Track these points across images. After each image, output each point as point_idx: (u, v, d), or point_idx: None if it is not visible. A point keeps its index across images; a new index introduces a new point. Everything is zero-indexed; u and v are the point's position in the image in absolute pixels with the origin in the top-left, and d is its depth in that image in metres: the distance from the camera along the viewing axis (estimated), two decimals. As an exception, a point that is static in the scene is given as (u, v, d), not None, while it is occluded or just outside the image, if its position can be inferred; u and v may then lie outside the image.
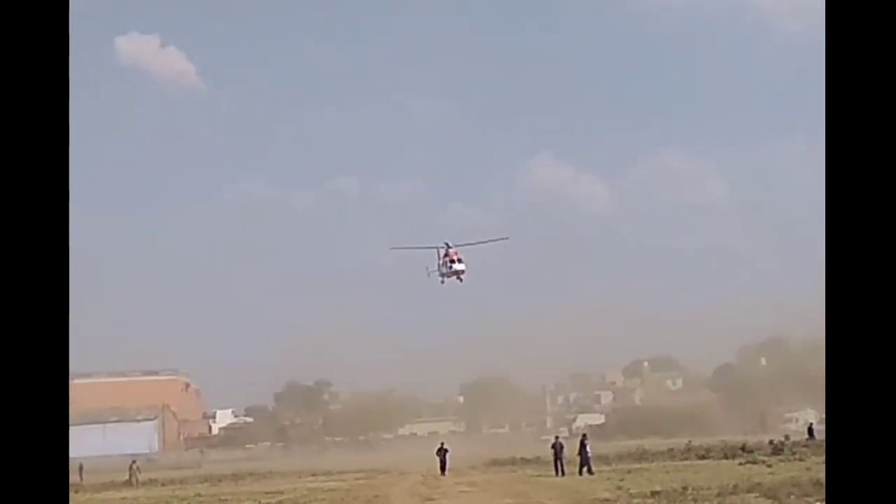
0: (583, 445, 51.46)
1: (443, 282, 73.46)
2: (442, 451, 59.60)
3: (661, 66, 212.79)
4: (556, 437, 56.79)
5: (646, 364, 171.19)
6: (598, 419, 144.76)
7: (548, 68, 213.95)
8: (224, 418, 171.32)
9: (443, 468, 58.64)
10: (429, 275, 74.25)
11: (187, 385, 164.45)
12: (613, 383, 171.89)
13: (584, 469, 50.52)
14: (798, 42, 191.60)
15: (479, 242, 76.47)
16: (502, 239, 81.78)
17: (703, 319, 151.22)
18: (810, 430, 74.55)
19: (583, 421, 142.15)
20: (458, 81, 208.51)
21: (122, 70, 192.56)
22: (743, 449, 64.17)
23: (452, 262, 72.56)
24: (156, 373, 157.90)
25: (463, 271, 72.77)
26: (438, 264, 73.47)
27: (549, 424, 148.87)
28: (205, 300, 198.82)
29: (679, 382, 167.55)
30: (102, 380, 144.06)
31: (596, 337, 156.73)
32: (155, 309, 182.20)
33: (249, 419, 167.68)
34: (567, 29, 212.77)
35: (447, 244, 73.31)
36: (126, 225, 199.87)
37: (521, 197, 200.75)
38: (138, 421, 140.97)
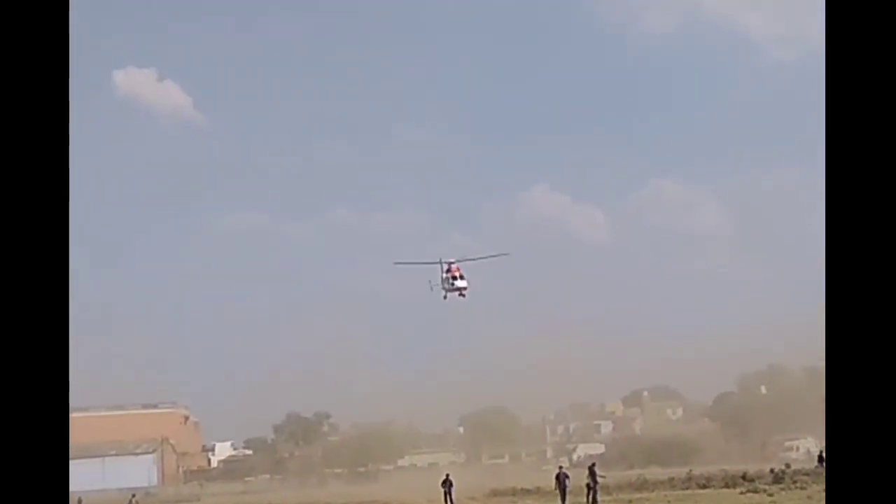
0: (592, 474, 51.40)
1: (445, 297, 73.47)
2: (447, 484, 59.32)
3: (657, 96, 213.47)
4: (560, 467, 56.63)
5: (645, 393, 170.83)
6: (599, 449, 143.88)
7: (543, 98, 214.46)
8: (223, 451, 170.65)
9: (448, 500, 58.37)
10: (431, 289, 74.29)
11: (186, 418, 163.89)
12: (613, 413, 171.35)
13: (592, 499, 50.46)
14: (794, 71, 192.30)
15: (479, 258, 76.46)
16: (502, 255, 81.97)
17: (702, 348, 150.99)
18: (821, 458, 73.99)
19: (583, 451, 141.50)
20: (454, 111, 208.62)
21: (120, 103, 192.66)
22: (744, 478, 64.02)
23: (455, 278, 72.64)
24: (155, 406, 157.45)
25: (465, 288, 72.83)
26: (441, 279, 73.50)
27: (549, 454, 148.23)
28: (203, 332, 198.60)
29: (679, 411, 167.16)
30: (101, 413, 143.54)
31: (595, 366, 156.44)
32: (153, 341, 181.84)
33: (249, 451, 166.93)
34: (563, 59, 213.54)
35: (447, 261, 73.49)
36: (122, 257, 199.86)
37: (519, 226, 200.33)
38: (137, 454, 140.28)
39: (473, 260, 75.30)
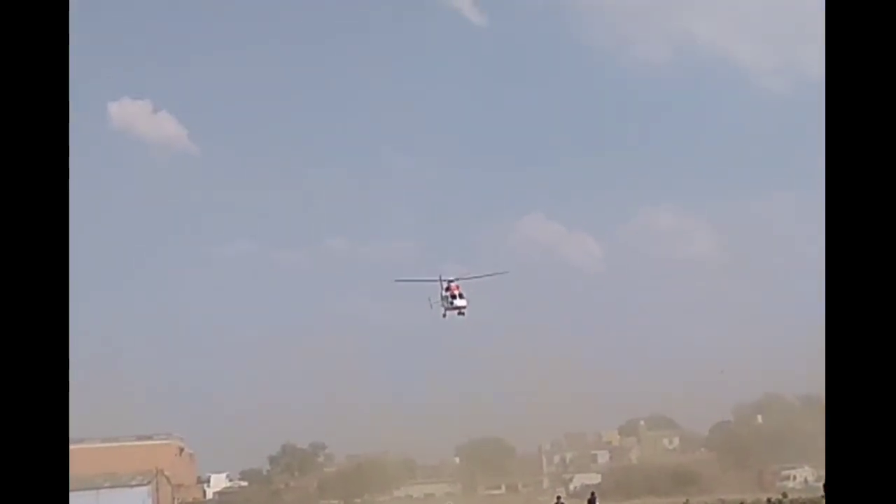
0: (592, 504, 51.60)
1: (444, 315, 73.21)
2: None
3: (650, 124, 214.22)
4: (558, 497, 56.65)
5: (642, 423, 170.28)
6: (595, 479, 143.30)
7: (536, 126, 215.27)
8: (218, 482, 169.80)
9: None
10: (431, 307, 74.03)
11: (181, 449, 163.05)
12: (609, 442, 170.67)
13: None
14: (786, 99, 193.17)
15: (475, 277, 76.35)
16: (503, 273, 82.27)
17: (698, 377, 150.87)
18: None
19: (579, 481, 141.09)
20: (448, 140, 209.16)
21: (115, 135, 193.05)
22: (741, 507, 63.95)
23: (454, 296, 72.40)
24: (149, 437, 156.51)
25: (464, 307, 72.55)
26: (441, 296, 73.25)
27: (545, 485, 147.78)
28: (198, 363, 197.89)
29: (675, 441, 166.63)
30: (96, 445, 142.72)
31: (591, 396, 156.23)
32: (147, 372, 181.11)
33: (244, 483, 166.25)
34: (555, 87, 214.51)
35: (446, 280, 73.46)
36: (117, 288, 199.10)
37: (514, 255, 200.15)
38: (132, 486, 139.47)
39: (469, 279, 75.16)
